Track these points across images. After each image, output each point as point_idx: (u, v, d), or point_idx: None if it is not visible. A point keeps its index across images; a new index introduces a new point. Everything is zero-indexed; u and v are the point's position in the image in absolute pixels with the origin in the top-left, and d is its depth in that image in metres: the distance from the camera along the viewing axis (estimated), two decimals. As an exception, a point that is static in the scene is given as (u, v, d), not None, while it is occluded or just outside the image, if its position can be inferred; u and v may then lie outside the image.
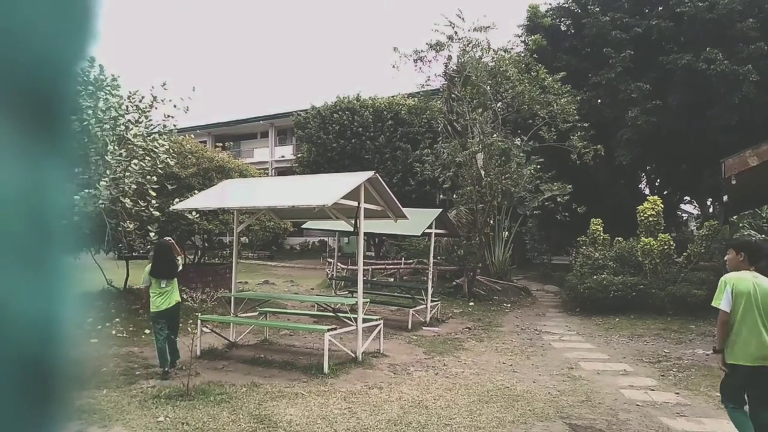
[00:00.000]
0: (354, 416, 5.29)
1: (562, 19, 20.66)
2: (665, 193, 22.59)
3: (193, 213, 9.93)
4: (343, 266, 16.76)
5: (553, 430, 5.11)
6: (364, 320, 8.06)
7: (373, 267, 17.35)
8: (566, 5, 20.22)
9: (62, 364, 0.43)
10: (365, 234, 10.45)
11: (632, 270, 13.58)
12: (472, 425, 5.12)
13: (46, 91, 0.42)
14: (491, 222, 17.00)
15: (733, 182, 10.56)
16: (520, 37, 20.92)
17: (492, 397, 6.06)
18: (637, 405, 5.96)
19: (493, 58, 16.13)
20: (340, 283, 14.10)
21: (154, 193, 8.77)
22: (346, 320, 8.03)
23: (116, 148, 8.05)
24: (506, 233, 18.70)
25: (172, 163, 9.64)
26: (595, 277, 13.32)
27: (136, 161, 8.52)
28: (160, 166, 9.05)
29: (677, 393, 6.49)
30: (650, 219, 13.44)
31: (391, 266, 18.39)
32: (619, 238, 14.87)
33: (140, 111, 9.22)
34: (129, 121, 8.92)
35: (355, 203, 7.65)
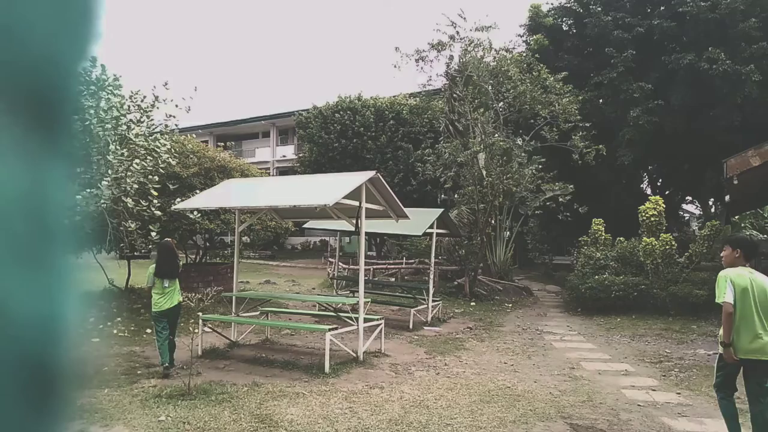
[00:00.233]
0: (355, 416, 5.30)
1: (564, 18, 20.63)
2: (667, 193, 22.58)
3: (195, 212, 9.94)
4: (344, 266, 16.76)
5: (555, 430, 5.11)
6: (366, 320, 8.06)
7: (375, 267, 17.35)
8: (568, 5, 20.19)
9: (64, 363, 0.43)
10: (366, 234, 10.45)
11: (634, 270, 13.57)
12: (473, 425, 5.12)
13: (49, 91, 0.42)
14: (492, 222, 16.99)
15: (735, 182, 10.55)
16: (521, 36, 20.93)
17: (493, 397, 6.06)
18: (639, 405, 5.96)
19: (494, 57, 16.13)
20: (341, 283, 14.11)
21: (155, 193, 8.77)
22: (347, 320, 8.03)
23: (118, 147, 8.05)
24: (508, 233, 18.69)
25: (173, 162, 9.65)
26: (596, 277, 13.31)
27: (137, 161, 8.53)
28: (161, 165, 9.06)
29: (679, 393, 6.48)
30: (652, 219, 13.42)
31: (393, 266, 18.39)
32: (621, 238, 14.85)
33: (142, 111, 9.22)
34: (131, 120, 8.92)
35: (356, 203, 7.65)
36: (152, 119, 9.38)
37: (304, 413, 5.32)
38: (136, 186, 8.46)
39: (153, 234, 8.71)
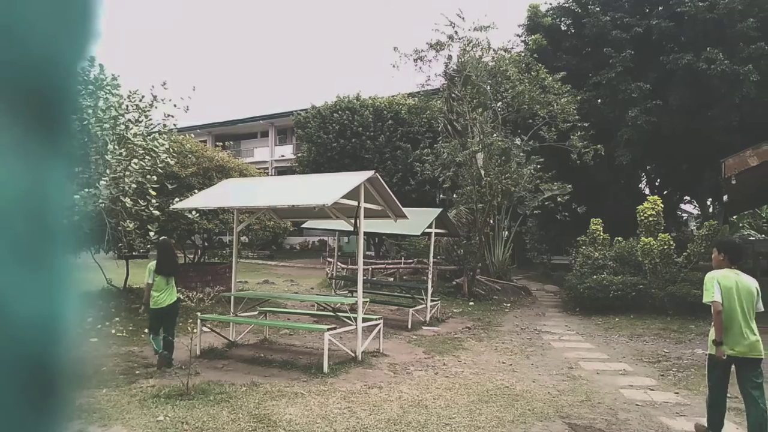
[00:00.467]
0: (354, 416, 5.30)
1: (563, 18, 20.64)
2: (665, 192, 22.59)
3: (193, 212, 9.93)
4: (342, 266, 16.76)
5: (553, 430, 5.11)
6: (364, 320, 8.06)
7: (373, 266, 17.34)
8: (566, 5, 20.20)
9: (62, 363, 0.43)
10: (365, 233, 10.45)
11: (632, 270, 13.58)
12: (472, 425, 5.13)
13: (47, 91, 0.42)
14: (491, 222, 17.00)
15: (733, 182, 10.57)
16: (520, 36, 20.93)
17: (491, 397, 6.07)
18: (637, 405, 5.97)
19: (493, 57, 16.14)
20: (339, 283, 14.10)
21: (154, 193, 8.76)
22: (345, 320, 8.03)
23: (116, 147, 8.04)
24: (506, 233, 18.70)
25: (172, 162, 9.64)
26: (594, 276, 13.32)
27: (136, 161, 8.52)
28: (160, 165, 9.04)
29: (677, 393, 6.49)
30: (650, 219, 13.44)
31: (391, 266, 18.39)
32: (619, 238, 14.87)
33: (140, 110, 9.21)
34: (129, 120, 8.91)
35: (355, 203, 7.65)
36: (150, 119, 9.37)
37: (303, 413, 5.32)
38: (134, 186, 8.45)
39: (151, 234, 8.70)
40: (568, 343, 9.71)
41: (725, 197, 12.70)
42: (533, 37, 19.59)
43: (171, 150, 9.72)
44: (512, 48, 17.68)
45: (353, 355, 7.69)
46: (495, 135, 15.33)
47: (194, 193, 9.91)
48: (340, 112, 24.78)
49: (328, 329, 7.35)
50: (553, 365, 7.89)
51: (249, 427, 4.92)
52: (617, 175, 20.61)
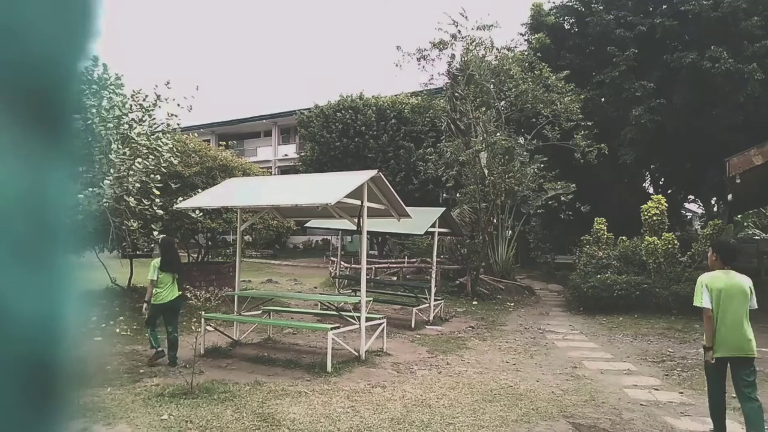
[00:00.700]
0: (357, 415, 5.30)
1: (566, 17, 20.59)
2: (669, 192, 22.53)
3: (197, 211, 9.95)
4: (346, 265, 16.76)
5: (557, 429, 5.10)
6: (368, 319, 8.07)
7: (377, 266, 17.35)
8: (570, 4, 20.15)
9: (66, 363, 0.43)
10: (368, 233, 10.45)
11: (636, 269, 13.54)
12: (476, 424, 5.12)
13: (50, 91, 0.42)
14: (494, 221, 16.98)
15: (738, 181, 10.52)
16: (523, 35, 20.89)
17: (495, 396, 6.06)
18: (641, 404, 5.95)
19: (496, 56, 16.13)
20: (343, 282, 14.11)
21: (157, 192, 8.78)
22: (349, 319, 8.03)
23: (120, 146, 8.06)
24: (510, 232, 18.68)
25: (175, 161, 9.66)
26: (598, 276, 13.29)
27: (139, 160, 8.54)
28: (163, 164, 9.06)
29: (681, 392, 6.47)
30: (654, 218, 13.40)
31: (395, 265, 18.39)
32: (623, 237, 14.82)
33: (144, 110, 9.22)
34: (132, 119, 8.92)
35: (358, 202, 7.65)
36: (154, 118, 9.38)
37: (307, 412, 5.32)
38: (138, 185, 8.47)
39: (155, 233, 8.72)
40: (571, 343, 9.69)
41: (729, 196, 12.64)
42: (536, 36, 19.54)
43: (174, 149, 9.74)
44: (515, 47, 17.69)
45: (357, 354, 7.69)
46: (498, 134, 15.31)
47: (198, 192, 9.92)
48: (343, 112, 24.78)
49: (332, 328, 7.35)
50: (557, 365, 7.87)
51: (253, 425, 4.93)
52: (621, 174, 20.56)
